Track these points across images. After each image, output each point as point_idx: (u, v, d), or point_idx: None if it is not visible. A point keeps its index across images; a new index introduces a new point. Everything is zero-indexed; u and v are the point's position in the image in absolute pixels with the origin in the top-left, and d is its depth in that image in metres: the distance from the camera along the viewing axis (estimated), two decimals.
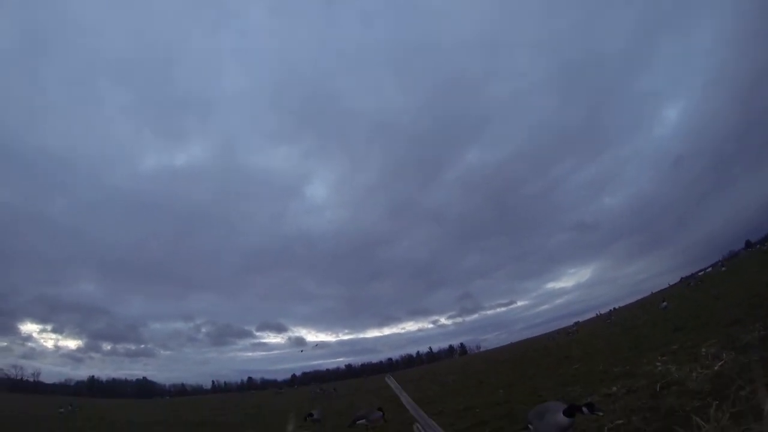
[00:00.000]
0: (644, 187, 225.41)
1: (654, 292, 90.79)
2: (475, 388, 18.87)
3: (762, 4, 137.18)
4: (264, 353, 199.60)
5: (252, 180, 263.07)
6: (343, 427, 13.54)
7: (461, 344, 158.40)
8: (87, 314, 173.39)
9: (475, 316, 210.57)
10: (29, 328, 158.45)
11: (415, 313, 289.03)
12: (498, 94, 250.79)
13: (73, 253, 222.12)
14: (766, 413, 3.99)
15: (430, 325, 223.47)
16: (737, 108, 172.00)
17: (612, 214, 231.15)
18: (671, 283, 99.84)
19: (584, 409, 4.50)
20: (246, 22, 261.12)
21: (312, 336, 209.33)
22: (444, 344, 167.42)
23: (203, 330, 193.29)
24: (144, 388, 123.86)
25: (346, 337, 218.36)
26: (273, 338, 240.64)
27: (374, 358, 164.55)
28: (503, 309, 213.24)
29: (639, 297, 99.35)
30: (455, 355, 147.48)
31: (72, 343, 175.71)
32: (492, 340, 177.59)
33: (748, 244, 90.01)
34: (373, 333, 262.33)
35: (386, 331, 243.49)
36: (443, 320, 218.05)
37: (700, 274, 76.65)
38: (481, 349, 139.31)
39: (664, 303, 30.82)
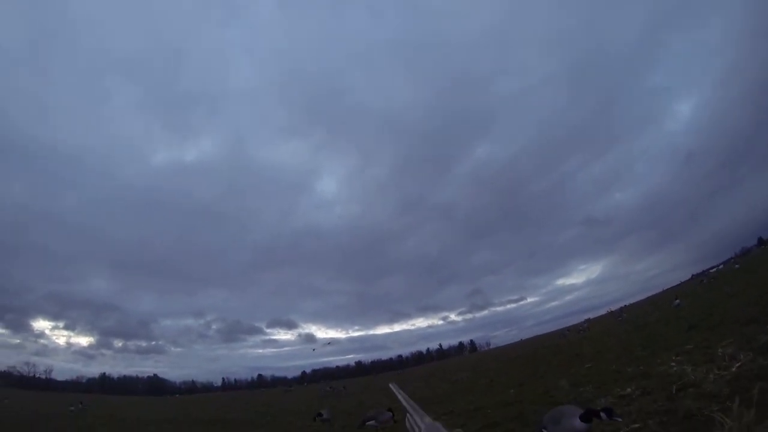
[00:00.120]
0: (655, 182, 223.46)
1: (665, 289, 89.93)
2: (486, 387, 18.73)
3: None
4: (274, 350, 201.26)
5: (262, 175, 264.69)
6: (352, 427, 13.49)
7: (471, 341, 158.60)
8: (98, 311, 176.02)
9: (485, 312, 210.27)
10: (41, 325, 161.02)
11: (424, 310, 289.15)
12: (507, 90, 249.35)
13: (83, 249, 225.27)
14: None
15: (440, 322, 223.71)
16: (750, 103, 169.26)
17: (623, 210, 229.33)
18: (682, 280, 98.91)
19: (602, 414, 4.38)
20: (255, 17, 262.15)
21: (322, 333, 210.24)
22: (454, 341, 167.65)
23: (214, 326, 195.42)
24: (155, 386, 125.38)
25: (356, 334, 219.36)
26: (283, 335, 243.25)
27: (384, 355, 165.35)
28: (513, 305, 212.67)
29: (650, 294, 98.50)
30: (465, 352, 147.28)
31: (84, 340, 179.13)
32: (502, 336, 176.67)
33: (761, 241, 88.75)
34: (383, 329, 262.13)
35: (396, 327, 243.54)
36: (453, 317, 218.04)
37: (712, 271, 75.68)
38: (491, 346, 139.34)
39: (677, 300, 30.36)
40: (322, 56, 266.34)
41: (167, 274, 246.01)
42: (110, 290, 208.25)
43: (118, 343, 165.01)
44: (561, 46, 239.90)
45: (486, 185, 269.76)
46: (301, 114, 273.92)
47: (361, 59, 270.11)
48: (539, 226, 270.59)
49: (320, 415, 15.20)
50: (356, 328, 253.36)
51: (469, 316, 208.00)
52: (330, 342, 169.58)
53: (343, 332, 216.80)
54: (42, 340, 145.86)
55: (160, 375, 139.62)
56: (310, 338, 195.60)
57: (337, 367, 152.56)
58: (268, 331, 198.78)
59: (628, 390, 8.81)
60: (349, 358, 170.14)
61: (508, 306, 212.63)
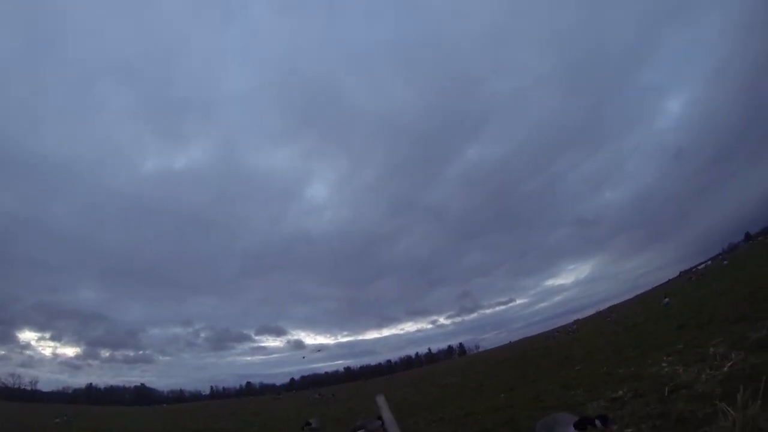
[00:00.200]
0: (645, 180, 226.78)
1: (654, 287, 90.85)
2: (476, 391, 18.54)
3: None
4: (263, 357, 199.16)
5: (252, 182, 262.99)
6: None
7: (460, 344, 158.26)
8: (85, 321, 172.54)
9: (474, 315, 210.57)
10: (27, 335, 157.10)
11: (414, 314, 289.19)
12: (499, 91, 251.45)
13: (71, 258, 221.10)
14: None
15: (429, 326, 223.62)
16: (739, 101, 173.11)
17: (612, 209, 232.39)
18: (671, 278, 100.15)
19: (597, 421, 4.18)
20: (248, 22, 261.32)
21: (311, 339, 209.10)
22: (443, 345, 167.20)
23: (202, 335, 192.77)
24: (142, 395, 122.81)
25: (344, 339, 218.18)
26: (272, 342, 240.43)
27: (373, 360, 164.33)
28: (502, 307, 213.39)
29: (639, 292, 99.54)
30: (454, 355, 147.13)
31: (70, 351, 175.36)
32: (491, 339, 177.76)
33: (748, 237, 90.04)
34: (371, 334, 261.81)
35: (385, 332, 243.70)
36: (442, 320, 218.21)
37: (700, 267, 76.70)
38: (480, 349, 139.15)
39: (666, 299, 30.52)
40: (314, 61, 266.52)
41: (156, 282, 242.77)
42: (98, 299, 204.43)
43: (105, 353, 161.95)
44: (553, 47, 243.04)
45: (477, 187, 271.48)
46: (293, 119, 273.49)
47: (353, 63, 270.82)
48: (529, 226, 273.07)
49: (309, 424, 14.82)
50: (345, 333, 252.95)
51: (458, 319, 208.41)
52: (320, 349, 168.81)
53: (332, 338, 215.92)
54: (28, 351, 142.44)
55: (148, 384, 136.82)
56: (298, 345, 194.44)
57: (326, 373, 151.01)
58: (257, 338, 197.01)
59: (620, 392, 8.65)
60: (338, 364, 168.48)
61: (497, 308, 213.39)
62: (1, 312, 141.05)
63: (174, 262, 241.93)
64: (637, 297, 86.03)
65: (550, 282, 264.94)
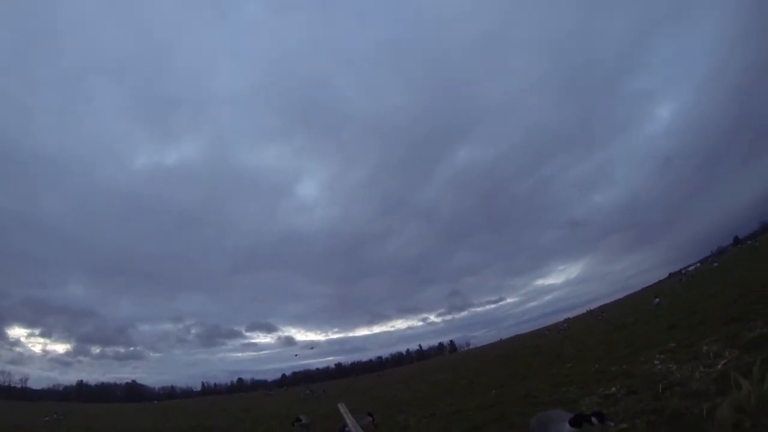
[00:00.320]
0: (635, 184, 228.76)
1: (644, 287, 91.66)
2: (466, 388, 18.48)
3: (754, 7, 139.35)
4: (254, 353, 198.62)
5: (243, 179, 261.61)
6: (332, 431, 13.05)
7: (451, 342, 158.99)
8: (75, 317, 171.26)
9: (465, 313, 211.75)
10: (16, 332, 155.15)
11: (404, 311, 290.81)
12: (492, 95, 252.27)
13: (61, 254, 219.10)
14: None
15: (420, 323, 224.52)
16: (728, 108, 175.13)
17: (602, 212, 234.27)
18: (660, 279, 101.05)
19: (593, 419, 4.07)
20: (241, 20, 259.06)
21: (301, 335, 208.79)
22: (434, 342, 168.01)
23: (193, 331, 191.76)
24: (133, 392, 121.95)
25: (335, 336, 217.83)
26: (263, 338, 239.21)
27: (364, 357, 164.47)
28: (492, 306, 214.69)
29: (628, 293, 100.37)
30: (445, 352, 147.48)
31: (60, 347, 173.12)
32: (481, 337, 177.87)
33: (737, 240, 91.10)
34: (362, 331, 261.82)
35: (376, 329, 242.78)
36: (433, 318, 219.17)
37: (690, 269, 77.31)
38: (471, 347, 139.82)
39: (657, 299, 30.64)
40: (307, 60, 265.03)
41: (146, 278, 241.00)
42: (88, 296, 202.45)
43: (96, 350, 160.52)
44: (546, 53, 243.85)
45: (467, 188, 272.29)
46: (284, 117, 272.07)
47: (347, 63, 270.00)
48: (520, 228, 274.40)
49: (299, 420, 14.70)
50: (336, 330, 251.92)
51: (448, 317, 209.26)
52: (312, 346, 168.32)
53: (323, 335, 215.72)
54: (17, 348, 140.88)
55: (139, 381, 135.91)
56: (289, 341, 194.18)
57: (317, 369, 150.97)
58: (248, 334, 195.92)
59: (613, 389, 8.59)
60: (329, 360, 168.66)
61: (488, 306, 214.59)
62: None
63: (165, 258, 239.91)
64: (627, 297, 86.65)
65: (541, 282, 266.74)
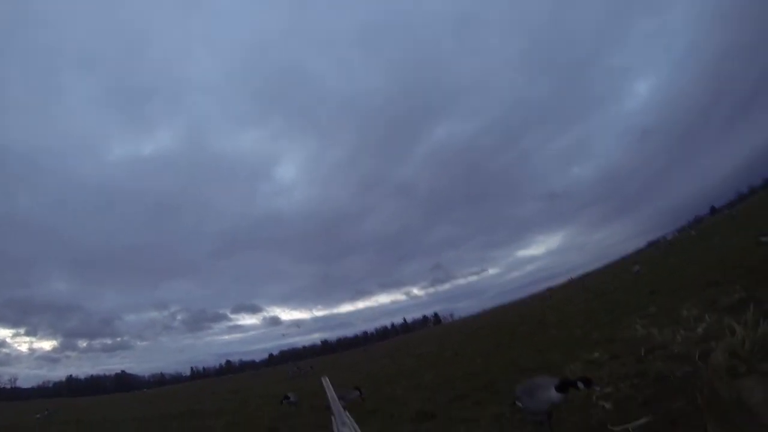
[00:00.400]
0: (613, 157, 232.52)
1: (623, 256, 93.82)
2: (452, 359, 18.68)
3: None
4: (241, 335, 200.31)
5: (221, 165, 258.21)
6: (320, 408, 13.07)
7: (435, 314, 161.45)
8: (60, 313, 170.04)
9: (448, 285, 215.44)
10: (1, 333, 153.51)
11: (387, 286, 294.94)
12: (469, 72, 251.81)
13: (40, 250, 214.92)
14: None
15: (403, 297, 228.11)
16: (704, 84, 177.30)
17: (581, 184, 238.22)
18: (639, 248, 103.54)
19: (579, 384, 4.01)
20: (215, 5, 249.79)
21: (286, 314, 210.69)
22: (418, 315, 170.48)
23: (178, 317, 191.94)
24: (123, 382, 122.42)
25: (320, 313, 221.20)
26: (248, 320, 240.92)
27: (349, 333, 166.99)
28: (475, 277, 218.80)
29: (608, 261, 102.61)
30: (429, 324, 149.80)
31: (47, 344, 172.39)
32: (465, 308, 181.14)
33: (714, 210, 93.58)
34: (346, 308, 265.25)
35: (360, 304, 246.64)
36: (416, 291, 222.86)
37: (668, 237, 79.24)
38: (455, 318, 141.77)
39: (637, 267, 31.38)
40: (283, 44, 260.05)
41: (129, 269, 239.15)
42: (70, 290, 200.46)
43: (83, 344, 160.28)
44: (524, 31, 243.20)
45: (447, 164, 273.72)
46: (261, 102, 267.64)
47: (323, 46, 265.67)
48: (499, 201, 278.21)
49: (287, 398, 14.74)
50: (320, 307, 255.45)
51: (431, 289, 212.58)
52: (299, 325, 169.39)
53: (308, 312, 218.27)
54: (4, 349, 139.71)
55: (128, 371, 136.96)
56: (275, 321, 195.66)
57: (304, 347, 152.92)
58: (233, 317, 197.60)
59: (596, 355, 8.66)
60: (315, 338, 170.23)
61: (470, 278, 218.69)
62: None
63: (146, 247, 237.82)
64: (607, 266, 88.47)
65: (522, 252, 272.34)
